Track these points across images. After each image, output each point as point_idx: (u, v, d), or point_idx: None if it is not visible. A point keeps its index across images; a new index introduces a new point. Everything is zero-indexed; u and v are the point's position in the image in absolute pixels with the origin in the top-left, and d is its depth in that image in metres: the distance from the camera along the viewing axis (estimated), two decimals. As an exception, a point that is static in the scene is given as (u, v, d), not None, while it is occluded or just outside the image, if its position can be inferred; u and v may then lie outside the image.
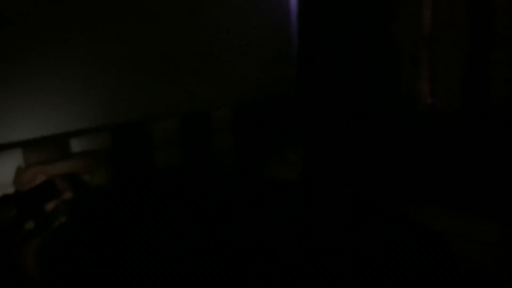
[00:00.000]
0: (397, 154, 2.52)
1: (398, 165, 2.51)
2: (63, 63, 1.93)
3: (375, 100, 2.59)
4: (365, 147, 2.61)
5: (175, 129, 2.24)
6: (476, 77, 2.32)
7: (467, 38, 2.31)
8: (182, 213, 1.50)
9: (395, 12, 2.47)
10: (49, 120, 1.91)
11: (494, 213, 2.03)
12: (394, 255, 1.29)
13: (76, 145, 1.94)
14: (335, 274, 1.21)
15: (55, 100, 1.93)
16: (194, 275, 1.24)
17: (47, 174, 1.75)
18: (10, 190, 1.75)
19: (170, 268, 1.27)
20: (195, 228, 1.41)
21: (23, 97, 1.85)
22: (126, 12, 2.08)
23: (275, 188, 1.72)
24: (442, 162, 2.40)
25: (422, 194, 2.35)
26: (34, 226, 1.60)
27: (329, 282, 1.20)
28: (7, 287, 1.56)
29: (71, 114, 1.96)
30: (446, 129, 2.42)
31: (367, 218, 1.47)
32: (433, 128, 2.46)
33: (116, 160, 2.00)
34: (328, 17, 2.60)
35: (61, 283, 1.43)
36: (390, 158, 2.54)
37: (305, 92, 2.75)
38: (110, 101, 2.07)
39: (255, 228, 1.40)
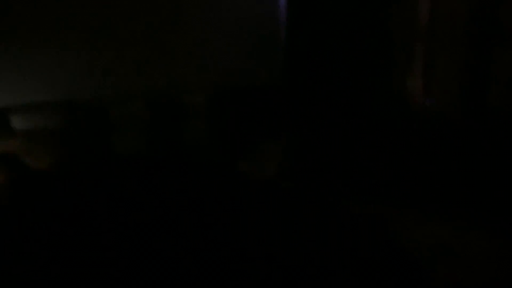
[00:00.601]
0: (385, 154, 2.38)
1: (385, 166, 2.36)
2: (9, 28, 1.78)
3: (365, 95, 2.47)
4: (351, 145, 2.46)
5: (139, 112, 2.09)
6: (475, 76, 2.20)
7: (468, 34, 2.17)
8: (135, 208, 1.41)
9: (390, 0, 2.34)
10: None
11: (487, 223, 1.89)
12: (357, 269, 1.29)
13: (17, 122, 1.79)
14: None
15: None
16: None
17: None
18: None
19: (110, 263, 1.23)
20: (148, 227, 1.34)
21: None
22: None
23: (247, 186, 1.71)
24: (433, 166, 2.25)
25: (409, 198, 2.18)
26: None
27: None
28: None
29: (14, 86, 1.80)
30: (440, 131, 2.29)
31: (333, 228, 1.48)
32: (426, 129, 2.33)
33: (65, 143, 1.86)
34: (318, 4, 2.47)
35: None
36: (377, 158, 2.39)
37: (291, 83, 2.61)
38: (61, 76, 1.90)
39: (222, 231, 1.37)
